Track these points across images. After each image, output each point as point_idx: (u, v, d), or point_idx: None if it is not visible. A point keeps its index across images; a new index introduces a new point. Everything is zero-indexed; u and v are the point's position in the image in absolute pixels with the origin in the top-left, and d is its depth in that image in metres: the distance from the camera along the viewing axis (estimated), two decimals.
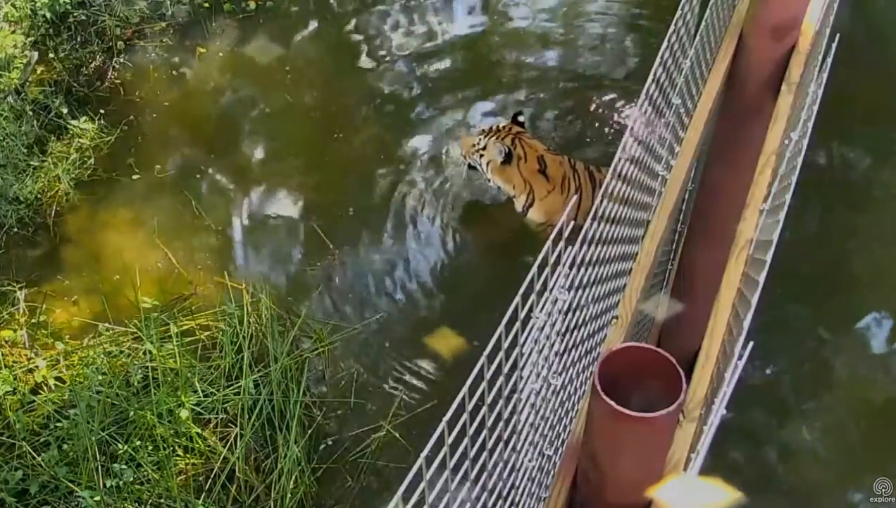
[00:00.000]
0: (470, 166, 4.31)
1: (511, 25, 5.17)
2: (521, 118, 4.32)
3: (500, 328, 1.26)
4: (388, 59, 5.04)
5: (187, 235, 4.39)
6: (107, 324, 3.97)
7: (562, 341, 1.56)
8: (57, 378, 3.81)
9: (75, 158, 4.56)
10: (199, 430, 3.60)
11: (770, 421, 3.78)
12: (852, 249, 4.23)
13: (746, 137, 2.47)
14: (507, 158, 4.11)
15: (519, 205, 4.26)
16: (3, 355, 3.85)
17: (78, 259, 4.31)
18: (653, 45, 4.94)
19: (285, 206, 4.51)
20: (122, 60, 4.99)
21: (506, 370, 1.34)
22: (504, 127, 4.26)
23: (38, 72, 4.84)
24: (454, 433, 1.20)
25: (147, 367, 3.74)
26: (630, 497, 1.45)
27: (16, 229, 4.37)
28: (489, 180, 4.24)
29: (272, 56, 5.06)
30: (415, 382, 3.91)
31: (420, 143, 4.71)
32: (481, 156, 4.19)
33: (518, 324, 1.33)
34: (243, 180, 4.61)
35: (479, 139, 4.22)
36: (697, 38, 2.15)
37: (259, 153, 4.72)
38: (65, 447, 3.57)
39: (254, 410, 3.66)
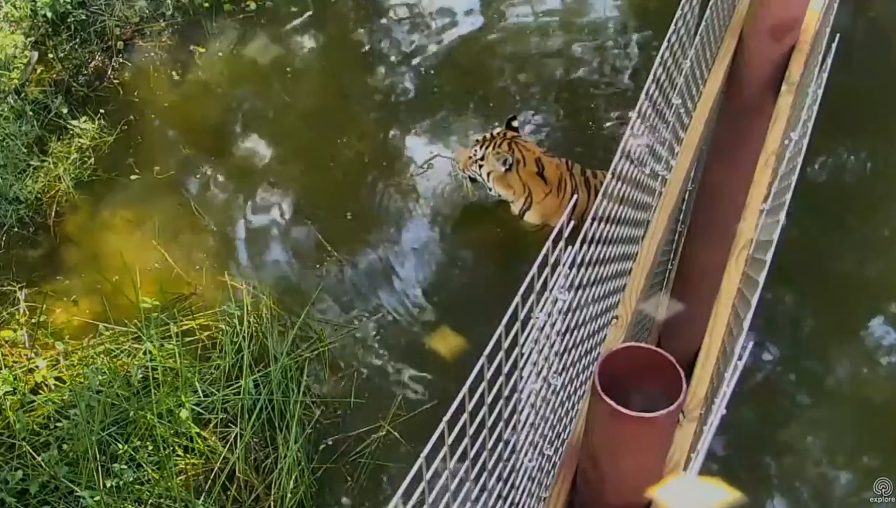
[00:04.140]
0: (471, 179, 4.29)
1: (512, 27, 5.17)
2: (514, 123, 4.31)
3: (500, 328, 1.26)
4: (388, 60, 5.04)
5: (187, 235, 4.39)
6: (107, 324, 3.97)
7: (562, 341, 1.56)
8: (57, 378, 3.81)
9: (75, 158, 4.56)
10: (199, 430, 3.60)
11: (769, 421, 3.78)
12: (852, 249, 4.23)
13: (746, 137, 2.47)
14: (510, 167, 4.12)
15: (516, 208, 4.26)
16: (3, 355, 3.85)
17: (78, 259, 4.31)
18: (653, 46, 4.95)
19: (284, 207, 4.52)
20: (121, 60, 4.99)
21: (506, 370, 1.34)
22: (499, 133, 4.25)
23: (38, 72, 4.84)
24: (454, 434, 1.20)
25: (147, 367, 3.74)
26: (630, 497, 1.45)
27: (16, 229, 4.37)
28: (490, 189, 4.24)
29: (272, 56, 5.07)
30: (415, 382, 3.91)
31: (419, 143, 4.71)
32: (480, 167, 4.19)
33: (518, 324, 1.33)
34: (242, 181, 4.61)
35: (476, 151, 4.21)
36: (697, 38, 2.15)
37: (258, 154, 4.72)
38: (65, 447, 3.57)
39: (254, 410, 3.66)
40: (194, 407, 3.65)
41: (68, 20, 4.94)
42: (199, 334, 3.94)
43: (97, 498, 3.39)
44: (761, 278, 1.60)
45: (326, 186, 4.56)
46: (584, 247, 1.52)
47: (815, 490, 3.65)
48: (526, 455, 1.60)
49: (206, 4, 5.20)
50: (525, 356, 1.40)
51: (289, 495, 3.51)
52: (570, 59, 5.00)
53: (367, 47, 5.10)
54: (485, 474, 1.44)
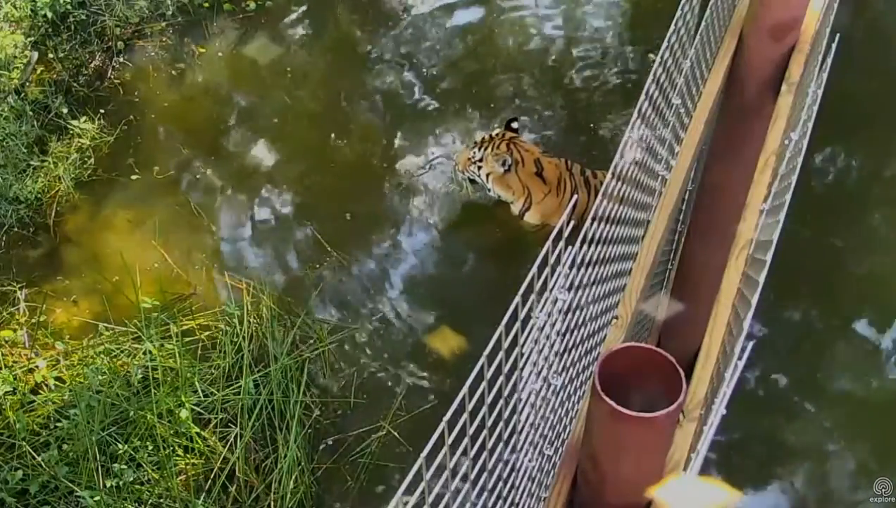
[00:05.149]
0: (470, 180, 4.30)
1: (513, 28, 5.17)
2: (514, 124, 4.32)
3: (500, 328, 1.26)
4: (389, 60, 5.04)
5: (187, 235, 4.39)
6: (107, 324, 3.97)
7: (562, 341, 1.56)
8: (57, 378, 3.81)
9: (75, 158, 4.56)
10: (199, 430, 3.61)
11: (769, 421, 3.78)
12: (852, 249, 4.23)
13: (746, 137, 2.47)
14: (509, 168, 4.13)
15: (516, 209, 4.27)
16: (3, 355, 3.85)
17: (78, 259, 4.31)
18: (653, 46, 4.95)
19: (284, 207, 4.52)
20: (121, 60, 4.99)
21: (506, 370, 1.34)
22: (497, 134, 4.26)
23: (38, 72, 4.84)
24: (454, 433, 1.20)
25: (147, 367, 3.74)
26: (630, 497, 1.45)
27: (16, 229, 4.37)
28: (490, 190, 4.24)
29: (272, 56, 5.07)
30: (415, 382, 3.91)
31: (419, 144, 4.71)
32: (479, 168, 4.19)
33: (518, 324, 1.33)
34: (242, 181, 4.61)
35: (475, 152, 4.21)
36: (697, 38, 2.15)
37: (258, 154, 4.71)
38: (65, 447, 3.57)
39: (254, 410, 3.66)
40: (194, 407, 3.65)
41: (68, 20, 4.94)
42: (199, 334, 3.95)
43: (97, 498, 3.39)
44: (761, 278, 1.60)
45: (326, 187, 4.56)
46: (584, 247, 1.52)
47: (814, 490, 3.65)
48: (526, 455, 1.60)
49: (206, 4, 5.20)
50: (525, 356, 1.40)
51: (289, 495, 3.51)
52: (571, 60, 5.00)
53: (367, 48, 5.10)
54: (485, 474, 1.44)
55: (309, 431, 3.72)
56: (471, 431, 1.29)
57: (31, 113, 4.62)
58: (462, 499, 1.36)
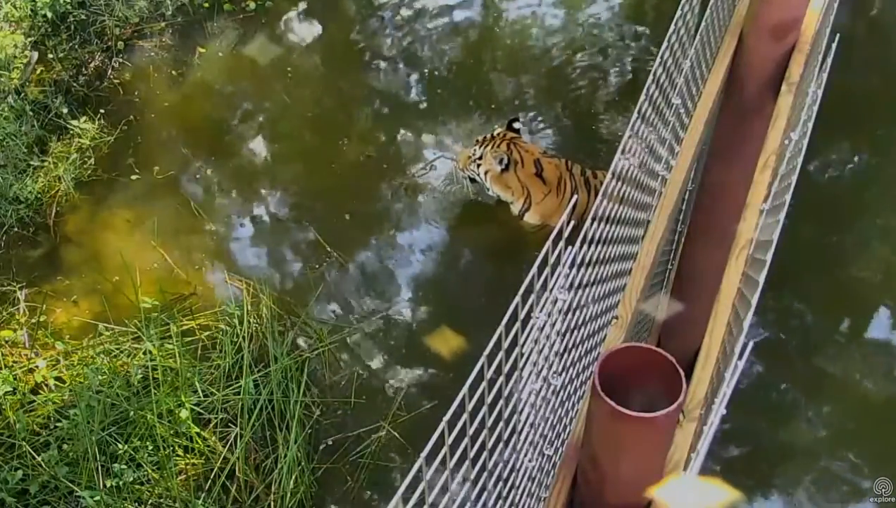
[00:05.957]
0: (470, 179, 4.30)
1: (514, 28, 5.17)
2: (516, 125, 4.32)
3: (500, 328, 1.26)
4: (389, 60, 5.04)
5: (187, 235, 4.39)
6: (107, 324, 3.97)
7: (562, 341, 1.56)
8: (57, 378, 3.81)
9: (75, 158, 4.56)
10: (199, 430, 3.61)
11: (769, 421, 3.78)
12: (852, 248, 4.23)
13: (746, 136, 2.47)
14: (507, 166, 4.13)
15: (516, 209, 4.27)
16: (3, 355, 3.86)
17: (78, 259, 4.31)
18: (653, 46, 4.95)
19: (284, 207, 4.52)
20: (121, 60, 4.99)
21: (506, 370, 1.34)
22: (499, 134, 4.26)
23: (38, 72, 4.84)
24: (454, 434, 1.20)
25: (147, 367, 3.74)
26: (630, 497, 1.45)
27: (16, 229, 4.37)
28: (489, 190, 4.24)
29: (272, 56, 5.07)
30: (415, 382, 3.91)
31: (420, 144, 4.71)
32: (479, 166, 4.19)
33: (518, 324, 1.33)
34: (242, 181, 4.61)
35: (475, 150, 4.22)
36: (697, 38, 2.15)
37: (258, 154, 4.71)
38: (65, 447, 3.57)
39: (254, 410, 3.66)
40: (194, 407, 3.65)
41: (68, 20, 4.94)
42: (199, 334, 3.95)
43: (97, 498, 3.39)
44: (761, 279, 1.60)
45: (326, 187, 4.56)
46: (584, 247, 1.52)
47: (815, 490, 3.64)
48: (526, 455, 1.60)
49: (206, 4, 5.20)
50: (525, 356, 1.40)
51: (289, 495, 3.51)
52: (572, 60, 5.00)
53: (367, 48, 5.10)
54: (485, 474, 1.44)
55: (309, 431, 3.72)
56: (471, 431, 1.29)
57: (31, 113, 4.62)
58: (462, 499, 1.36)
